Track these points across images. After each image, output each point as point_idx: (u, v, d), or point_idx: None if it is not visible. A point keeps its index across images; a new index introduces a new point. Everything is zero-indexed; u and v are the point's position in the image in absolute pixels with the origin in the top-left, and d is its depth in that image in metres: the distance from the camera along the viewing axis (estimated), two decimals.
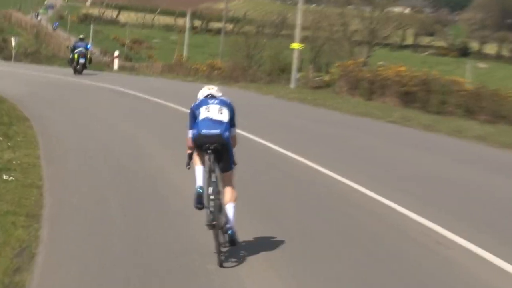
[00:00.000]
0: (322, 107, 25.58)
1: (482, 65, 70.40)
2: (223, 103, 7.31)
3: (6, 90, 23.81)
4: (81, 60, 34.70)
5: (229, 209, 7.08)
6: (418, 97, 27.72)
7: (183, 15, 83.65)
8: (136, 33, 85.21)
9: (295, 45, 35.33)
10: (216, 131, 7.06)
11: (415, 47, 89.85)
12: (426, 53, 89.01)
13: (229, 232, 7.00)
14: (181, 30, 74.11)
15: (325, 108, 25.17)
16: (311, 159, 13.38)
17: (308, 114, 23.49)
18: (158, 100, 23.86)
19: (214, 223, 6.88)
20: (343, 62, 34.78)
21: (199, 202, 7.11)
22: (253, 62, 51.09)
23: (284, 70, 39.45)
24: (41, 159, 12.44)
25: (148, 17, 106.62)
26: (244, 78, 38.58)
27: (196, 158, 7.27)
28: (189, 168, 7.36)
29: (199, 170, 7.21)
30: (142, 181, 11.12)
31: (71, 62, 35.67)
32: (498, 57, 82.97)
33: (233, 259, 7.08)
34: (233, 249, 7.19)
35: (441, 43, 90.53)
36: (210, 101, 7.29)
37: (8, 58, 47.90)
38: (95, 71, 37.90)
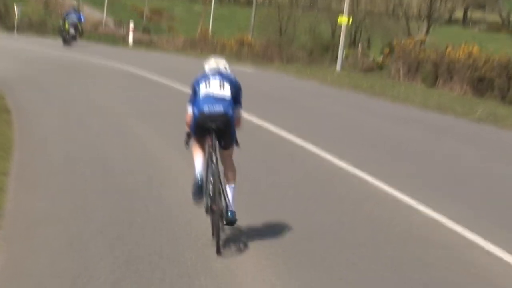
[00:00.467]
0: (383, 97, 22.56)
1: None
2: (225, 78, 7.19)
3: None
4: (72, 31, 34.96)
5: (230, 190, 7.13)
6: (495, 84, 24.51)
7: None
8: (156, 2, 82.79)
9: (343, 19, 31.40)
10: (219, 109, 6.95)
11: (464, 22, 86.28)
12: (477, 29, 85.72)
13: (229, 214, 6.98)
14: (206, 0, 71.12)
15: (387, 100, 22.07)
16: (395, 185, 9.83)
17: (368, 107, 20.38)
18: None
19: (214, 207, 6.86)
20: (399, 40, 31.25)
21: (199, 194, 7.09)
22: (285, 37, 48.86)
23: (327, 49, 35.87)
24: (10, 177, 9.17)
25: None
26: (279, 58, 35.28)
27: (195, 145, 7.22)
28: (188, 149, 7.26)
29: (198, 157, 7.18)
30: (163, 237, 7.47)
31: (61, 31, 35.72)
32: None
33: (232, 247, 7.02)
34: (231, 237, 7.24)
35: (494, 18, 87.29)
36: (211, 76, 7.19)
37: (10, 29, 45.17)
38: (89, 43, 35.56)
